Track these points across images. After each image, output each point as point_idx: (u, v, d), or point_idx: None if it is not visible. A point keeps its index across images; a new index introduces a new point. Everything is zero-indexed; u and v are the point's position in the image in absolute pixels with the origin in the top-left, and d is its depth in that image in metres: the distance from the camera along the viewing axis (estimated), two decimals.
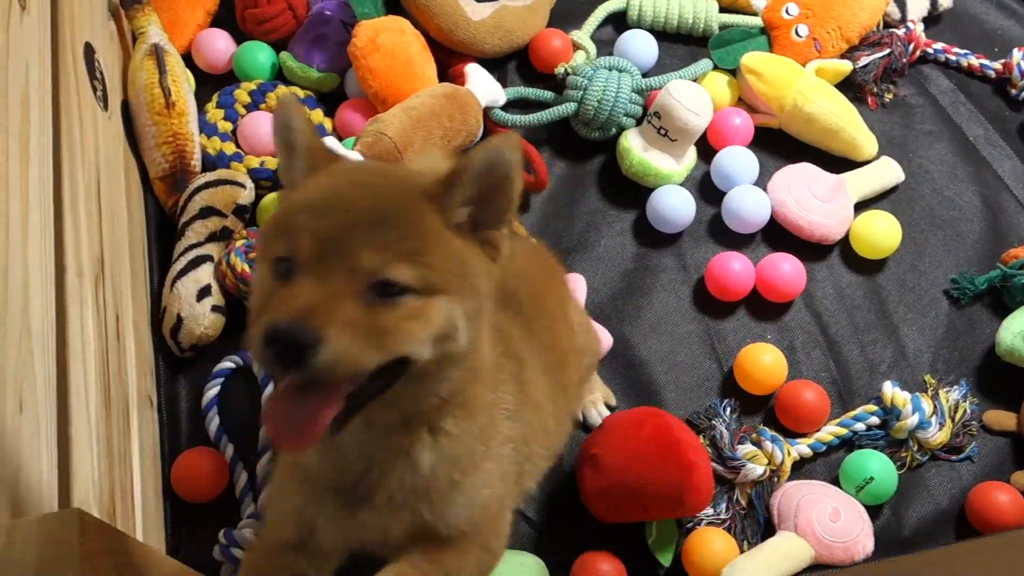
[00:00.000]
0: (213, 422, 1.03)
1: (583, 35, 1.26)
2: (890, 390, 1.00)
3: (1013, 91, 1.26)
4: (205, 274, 1.08)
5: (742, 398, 1.04)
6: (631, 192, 1.17)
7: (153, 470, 0.99)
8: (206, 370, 1.07)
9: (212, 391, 1.04)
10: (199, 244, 1.10)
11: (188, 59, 1.29)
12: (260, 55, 1.26)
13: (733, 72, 1.23)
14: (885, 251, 1.12)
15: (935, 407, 1.00)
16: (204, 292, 1.07)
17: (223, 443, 1.02)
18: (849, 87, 1.25)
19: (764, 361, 1.02)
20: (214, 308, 1.06)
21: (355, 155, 1.06)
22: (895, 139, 1.24)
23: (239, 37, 1.29)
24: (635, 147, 1.14)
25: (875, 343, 1.09)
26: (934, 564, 0.54)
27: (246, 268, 1.05)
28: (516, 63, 1.29)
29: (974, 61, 1.28)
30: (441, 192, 0.60)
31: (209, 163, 1.19)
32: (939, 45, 1.29)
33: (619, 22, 1.31)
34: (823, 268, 1.14)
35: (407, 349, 0.57)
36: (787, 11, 1.22)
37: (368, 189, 0.60)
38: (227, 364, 1.06)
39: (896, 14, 1.29)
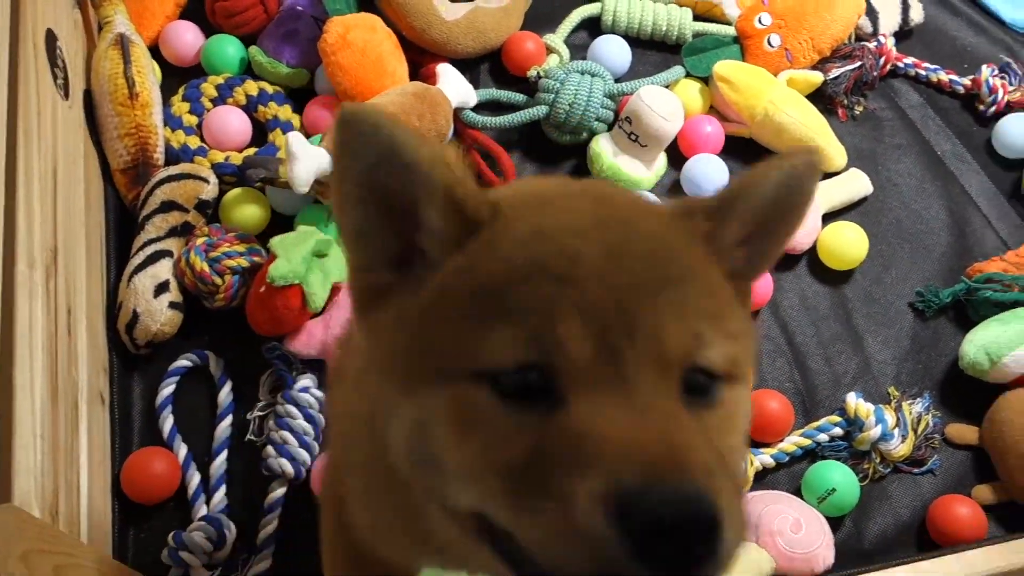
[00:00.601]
0: (167, 422, 1.01)
1: (557, 39, 1.26)
2: (854, 401, 1.00)
3: (981, 107, 1.27)
4: (164, 270, 1.06)
5: None
6: None
7: (102, 469, 0.97)
8: (162, 368, 1.04)
9: (166, 390, 1.02)
10: (159, 239, 1.08)
11: (155, 51, 1.27)
12: (229, 49, 1.24)
13: (705, 80, 1.23)
14: (852, 262, 1.12)
15: (898, 419, 1.00)
16: (162, 288, 1.04)
17: (176, 443, 0.99)
18: (820, 98, 1.25)
19: None
20: (171, 305, 1.04)
21: (323, 152, 1.04)
22: (864, 151, 1.24)
23: (208, 30, 1.27)
24: (606, 152, 1.13)
25: (840, 354, 1.09)
26: None
27: (205, 267, 1.03)
28: (489, 65, 1.28)
29: (943, 76, 1.29)
30: (713, 225, 0.41)
31: (173, 157, 1.17)
32: (910, 60, 1.30)
33: (593, 27, 1.30)
34: (790, 278, 1.13)
35: (737, 470, 0.37)
36: (760, 20, 1.23)
37: (632, 226, 0.37)
38: (183, 362, 1.04)
39: (868, 27, 1.29)
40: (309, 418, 0.97)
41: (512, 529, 0.32)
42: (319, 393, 1.00)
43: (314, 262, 1.02)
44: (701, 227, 0.41)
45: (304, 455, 0.96)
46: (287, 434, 0.96)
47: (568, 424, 0.31)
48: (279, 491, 0.96)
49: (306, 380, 1.00)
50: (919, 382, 1.07)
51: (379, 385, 0.36)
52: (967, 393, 1.05)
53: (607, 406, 0.31)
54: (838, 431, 1.00)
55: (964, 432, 1.02)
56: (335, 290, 1.04)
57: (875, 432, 0.98)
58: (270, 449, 0.96)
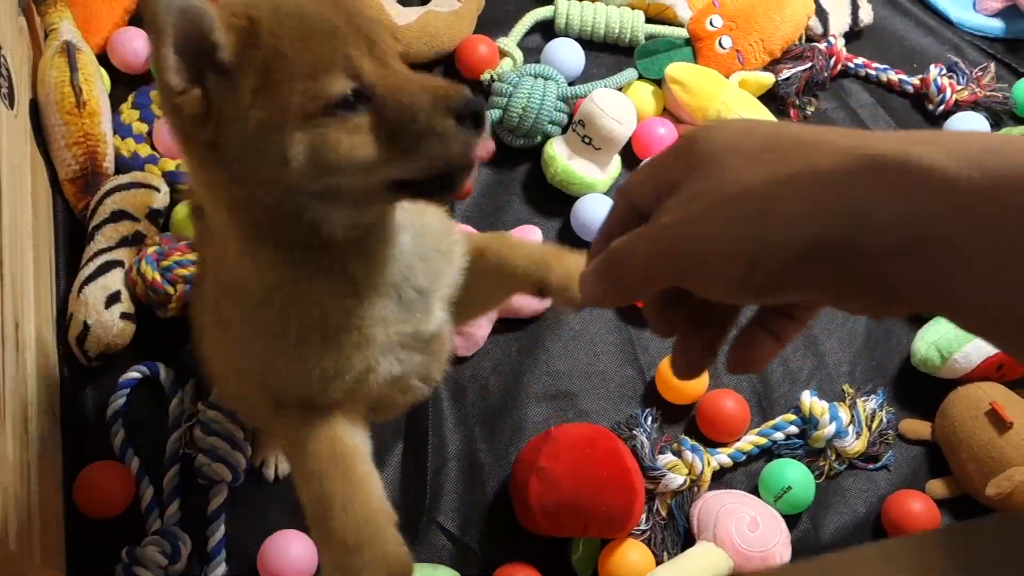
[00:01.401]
0: (118, 435, 0.99)
1: (510, 42, 1.26)
2: (808, 399, 1.01)
3: (930, 106, 1.28)
4: (115, 280, 1.04)
5: (664, 407, 1.03)
6: (556, 200, 1.16)
7: (53, 485, 0.95)
8: (115, 380, 1.03)
9: (118, 402, 1.01)
10: (109, 248, 1.06)
11: (104, 58, 1.25)
12: None
13: (658, 82, 1.23)
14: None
15: (852, 416, 1.01)
16: (113, 299, 1.03)
17: (128, 456, 0.98)
18: (772, 99, 1.26)
19: None
20: (123, 315, 1.03)
21: None
22: None
23: None
24: (560, 155, 1.13)
25: (795, 352, 1.09)
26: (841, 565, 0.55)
27: (156, 277, 1.01)
28: (442, 69, 1.27)
29: (893, 76, 1.30)
30: None
31: (123, 165, 1.15)
32: (860, 60, 1.31)
33: (547, 30, 1.30)
34: None
35: None
36: (711, 23, 1.23)
37: None
38: (134, 374, 1.02)
39: (818, 28, 1.30)
40: (235, 420, 0.97)
41: (416, 176, 0.54)
42: None
43: None
44: None
45: (238, 457, 0.96)
46: (215, 439, 0.95)
47: (392, 102, 0.52)
48: (220, 497, 0.96)
49: None
50: (873, 379, 1.08)
51: (258, 150, 0.52)
52: (920, 389, 1.06)
53: (400, 84, 0.52)
54: (794, 429, 1.01)
55: (917, 428, 1.03)
56: None
57: (830, 430, 0.99)
58: (202, 457, 0.95)
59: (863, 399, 1.03)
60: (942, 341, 1.03)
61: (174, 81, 0.51)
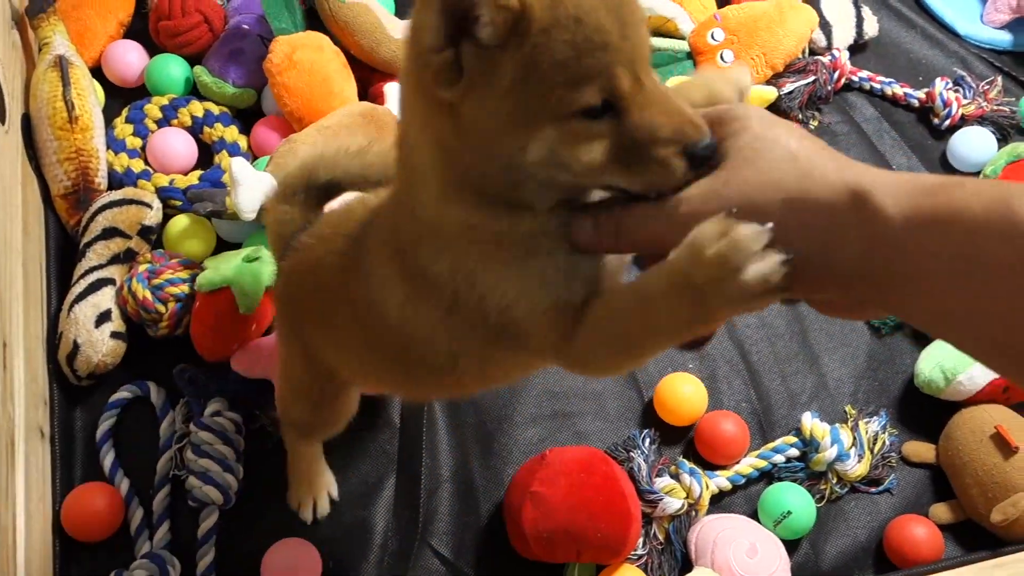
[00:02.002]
0: (108, 455, 0.98)
1: None
2: (809, 422, 0.99)
3: (936, 120, 1.26)
4: (105, 298, 1.03)
5: (662, 429, 1.01)
6: None
7: (42, 507, 0.94)
8: (105, 400, 1.02)
9: (107, 422, 0.99)
10: (100, 266, 1.05)
11: (98, 71, 1.24)
12: (174, 69, 1.22)
13: None
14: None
15: (854, 439, 0.99)
16: (103, 317, 1.02)
17: (118, 478, 0.97)
18: (775, 113, 1.23)
19: (684, 392, 1.00)
20: (113, 334, 1.01)
21: (268, 176, 1.02)
22: None
23: (152, 50, 1.25)
24: None
25: (796, 373, 1.07)
26: None
27: (147, 295, 1.00)
28: None
29: (898, 90, 1.28)
30: None
31: (116, 180, 1.14)
32: (864, 73, 1.29)
33: None
34: None
35: None
36: (712, 36, 1.22)
37: None
38: (124, 394, 1.01)
39: (822, 41, 1.28)
40: (227, 441, 0.96)
41: (624, 185, 0.54)
42: (233, 415, 0.98)
43: (244, 267, 1.00)
44: None
45: (229, 479, 0.95)
46: (207, 461, 0.94)
47: (637, 124, 0.52)
48: (211, 520, 0.94)
49: (216, 404, 0.98)
50: (875, 400, 1.06)
51: (503, 134, 0.53)
52: (923, 410, 1.04)
53: (649, 107, 0.52)
54: (794, 452, 0.99)
55: (920, 450, 1.01)
56: (270, 297, 1.01)
57: (831, 453, 0.97)
58: (193, 480, 0.94)
59: (865, 421, 1.01)
60: (946, 362, 1.00)
61: (429, 39, 0.51)
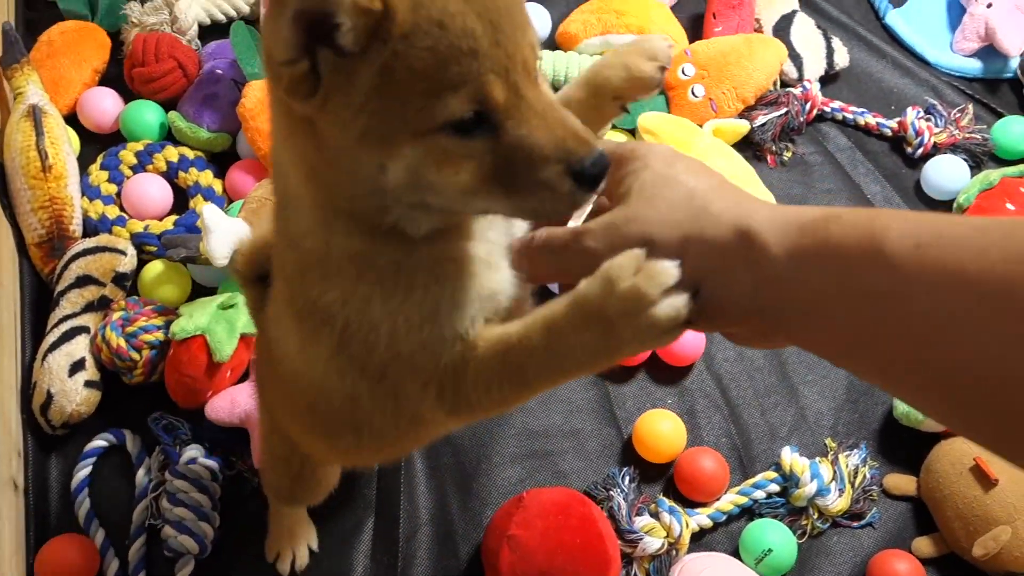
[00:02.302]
0: (83, 505, 0.97)
1: None
2: (788, 456, 0.98)
3: (909, 149, 1.27)
4: (80, 347, 1.03)
5: (642, 466, 1.01)
6: None
7: (16, 560, 0.93)
8: (80, 449, 1.01)
9: (82, 472, 0.98)
10: (75, 315, 1.05)
11: (74, 118, 1.24)
12: (148, 114, 1.22)
13: (632, 131, 1.22)
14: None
15: (835, 472, 0.98)
16: (77, 366, 1.01)
17: (93, 528, 0.96)
18: (748, 145, 1.25)
19: (663, 428, 1.00)
20: (88, 383, 1.01)
21: (240, 223, 1.02)
22: (795, 197, 1.23)
23: (127, 96, 1.25)
24: None
25: (776, 406, 1.07)
26: None
27: (122, 343, 1.00)
28: None
29: (871, 119, 1.29)
30: None
31: (91, 227, 1.14)
32: (836, 104, 1.30)
33: None
34: None
35: None
36: (683, 71, 1.22)
37: None
38: (99, 443, 1.00)
39: (793, 73, 1.29)
40: (203, 489, 0.95)
41: (505, 212, 0.52)
42: (209, 462, 0.97)
43: (219, 314, 1.00)
44: None
45: (205, 528, 0.94)
46: (183, 510, 0.93)
47: (514, 140, 0.48)
48: (187, 570, 0.93)
49: (192, 451, 0.97)
50: (855, 432, 1.05)
51: (359, 151, 0.49)
52: (904, 442, 1.03)
53: (528, 121, 0.48)
54: (775, 487, 0.99)
55: (902, 483, 1.01)
56: (245, 344, 1.00)
57: (811, 488, 0.96)
58: (169, 529, 0.93)
59: (845, 454, 1.00)
60: None
61: (281, 51, 0.46)
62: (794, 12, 1.34)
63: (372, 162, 0.49)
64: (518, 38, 0.48)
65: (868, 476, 0.99)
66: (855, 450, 1.01)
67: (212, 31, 1.32)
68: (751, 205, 0.50)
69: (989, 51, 1.36)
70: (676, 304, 0.47)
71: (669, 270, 0.47)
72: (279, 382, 0.70)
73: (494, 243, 0.57)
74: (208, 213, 0.98)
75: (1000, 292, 0.40)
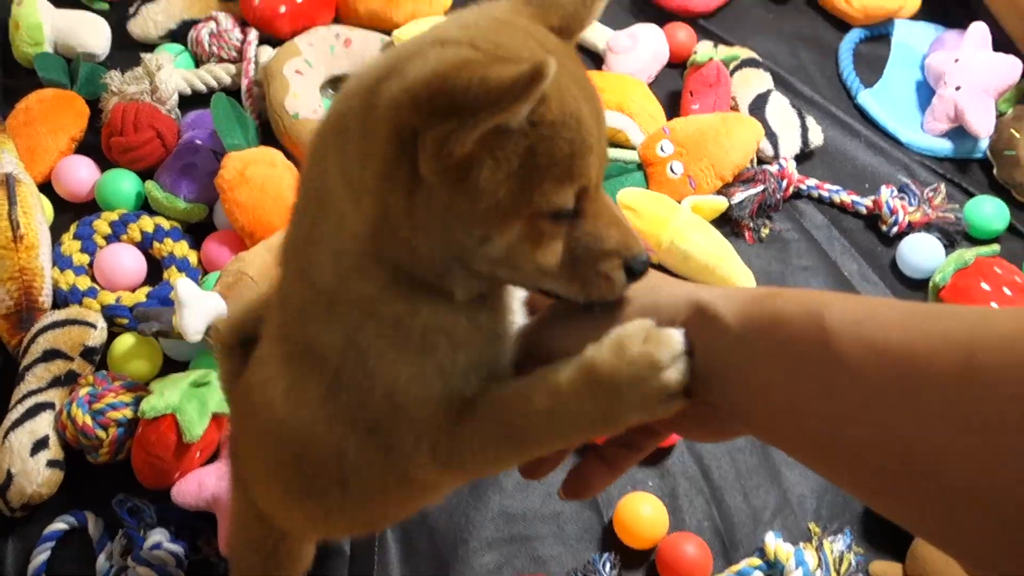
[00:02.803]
0: None
1: None
2: (772, 542, 0.96)
3: (884, 227, 1.28)
4: (43, 424, 0.99)
5: (623, 552, 0.98)
6: None
7: None
8: (39, 532, 0.97)
9: (40, 557, 0.94)
10: (40, 390, 1.02)
11: (48, 186, 1.22)
12: (124, 183, 1.21)
13: None
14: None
15: (820, 559, 0.96)
16: (40, 445, 0.98)
17: None
18: (726, 222, 1.25)
19: (644, 512, 0.98)
20: (50, 463, 0.97)
21: (215, 297, 1.00)
22: (773, 273, 1.24)
23: (104, 164, 1.24)
24: None
25: (758, 488, 1.06)
26: None
27: (87, 421, 0.97)
28: None
29: (846, 197, 1.31)
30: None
31: (61, 298, 1.11)
32: (812, 181, 1.31)
33: None
34: None
35: None
36: (661, 148, 1.23)
37: (582, 79, 0.51)
38: (60, 525, 0.96)
39: (769, 151, 1.31)
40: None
41: (562, 292, 0.54)
42: (174, 547, 0.93)
43: (191, 392, 0.97)
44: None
45: None
46: None
47: (588, 232, 0.52)
48: None
49: (157, 535, 0.93)
50: (839, 516, 1.04)
51: (472, 222, 0.50)
52: (888, 526, 1.02)
53: (601, 216, 0.52)
54: (759, 574, 0.97)
55: (887, 570, 0.99)
56: (216, 424, 0.97)
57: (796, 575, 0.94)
58: None
59: (830, 539, 0.99)
60: None
61: (457, 149, 0.47)
62: (769, 91, 1.36)
63: (478, 233, 0.50)
64: (606, 139, 0.53)
65: (853, 563, 0.98)
66: (839, 535, 0.99)
67: (192, 101, 1.31)
68: (700, 286, 0.55)
69: (959, 132, 1.38)
70: (683, 367, 0.49)
71: (677, 336, 0.50)
72: (258, 437, 0.67)
73: (516, 313, 0.59)
74: (182, 287, 0.96)
75: (918, 369, 0.43)
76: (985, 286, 1.16)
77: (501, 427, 0.54)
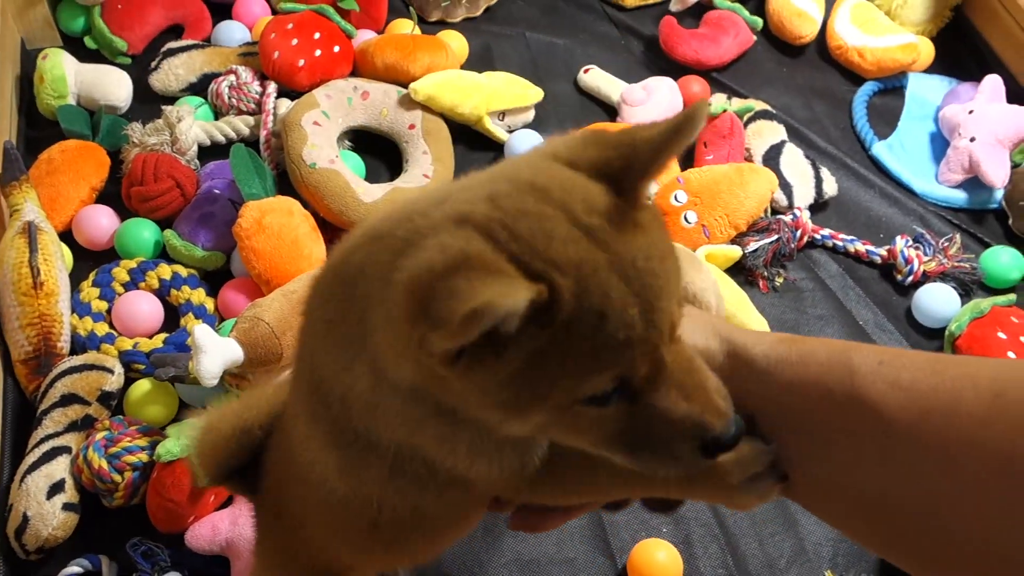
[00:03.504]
0: None
1: None
2: None
3: (899, 276, 1.28)
4: (60, 468, 1.00)
5: None
6: None
7: None
8: (55, 575, 0.96)
9: None
10: (57, 434, 1.02)
11: (68, 235, 1.25)
12: (144, 232, 1.22)
13: None
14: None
15: None
16: (56, 488, 0.98)
17: None
18: (740, 271, 1.26)
19: (658, 559, 0.97)
20: (65, 506, 0.97)
21: (232, 343, 1.01)
22: (787, 322, 1.24)
23: (124, 213, 1.26)
24: None
25: (773, 535, 1.04)
26: None
27: (103, 465, 0.97)
28: None
29: (860, 247, 1.31)
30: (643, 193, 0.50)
31: (79, 344, 1.12)
32: (826, 231, 1.32)
33: None
34: None
35: None
36: (676, 198, 1.24)
37: (641, 254, 0.45)
38: (74, 569, 0.96)
39: (783, 201, 1.32)
40: None
41: (622, 463, 0.50)
42: None
43: None
44: (650, 207, 0.48)
45: None
46: None
47: (651, 411, 0.47)
48: None
49: None
50: (855, 564, 1.02)
51: (488, 409, 0.47)
52: (904, 574, 1.00)
53: (668, 393, 0.47)
54: None
55: None
56: None
57: None
58: None
59: None
60: None
61: (443, 343, 0.42)
62: (783, 142, 1.38)
63: (497, 419, 0.47)
64: (672, 308, 0.46)
65: None
66: None
67: (211, 151, 1.34)
68: (731, 327, 0.57)
69: (974, 182, 1.39)
70: (763, 489, 0.54)
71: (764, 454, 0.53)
72: (319, 507, 0.65)
73: None
74: (199, 333, 0.97)
75: (943, 406, 0.45)
76: (1002, 335, 1.16)
77: (565, 484, 0.58)
